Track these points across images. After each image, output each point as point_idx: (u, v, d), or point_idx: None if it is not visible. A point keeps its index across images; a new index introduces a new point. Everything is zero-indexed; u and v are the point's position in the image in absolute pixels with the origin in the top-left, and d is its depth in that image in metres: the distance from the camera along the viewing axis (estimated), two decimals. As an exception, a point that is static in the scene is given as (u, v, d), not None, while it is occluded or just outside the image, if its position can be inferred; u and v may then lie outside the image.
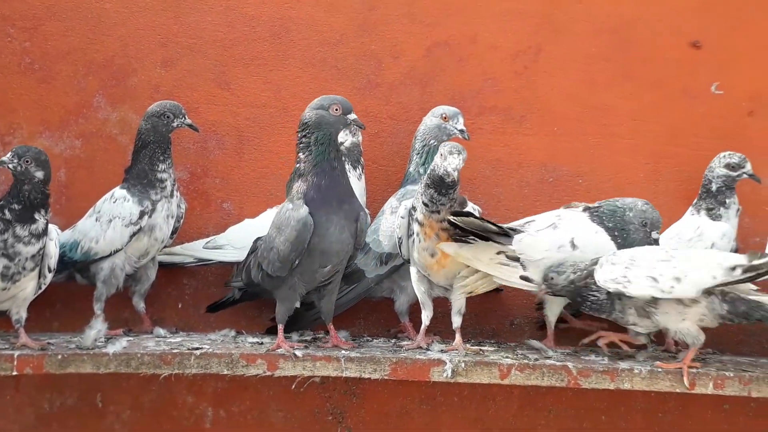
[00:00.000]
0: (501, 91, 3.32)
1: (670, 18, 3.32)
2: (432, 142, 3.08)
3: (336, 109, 2.74)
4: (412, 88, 3.33)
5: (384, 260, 3.03)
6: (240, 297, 3.14)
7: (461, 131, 3.08)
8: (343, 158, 3.08)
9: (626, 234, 2.81)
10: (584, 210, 2.89)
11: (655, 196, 3.25)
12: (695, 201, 3.15)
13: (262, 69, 3.34)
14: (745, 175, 3.10)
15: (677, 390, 2.69)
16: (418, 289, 2.91)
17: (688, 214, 3.15)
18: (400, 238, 2.89)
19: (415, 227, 2.81)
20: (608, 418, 3.27)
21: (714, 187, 3.10)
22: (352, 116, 2.77)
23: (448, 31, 3.34)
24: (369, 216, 2.86)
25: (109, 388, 3.27)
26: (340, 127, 2.78)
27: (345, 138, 3.13)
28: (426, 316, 2.91)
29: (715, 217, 3.09)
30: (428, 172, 2.79)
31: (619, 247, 2.80)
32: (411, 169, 3.12)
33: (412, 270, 2.91)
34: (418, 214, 2.80)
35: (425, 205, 2.77)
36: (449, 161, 2.69)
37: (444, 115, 3.09)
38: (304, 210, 2.70)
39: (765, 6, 3.29)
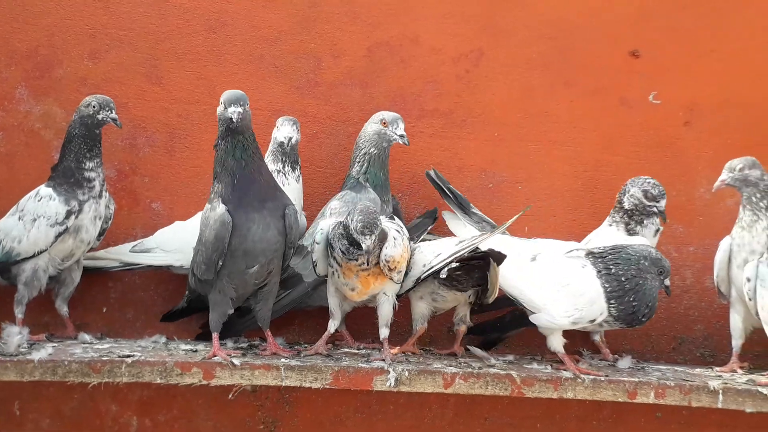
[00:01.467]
0: (442, 95, 3.29)
1: (609, 27, 3.34)
2: (372, 150, 3.01)
3: (222, 104, 2.65)
4: (352, 88, 3.27)
5: None
6: (188, 305, 3.01)
7: (401, 136, 3.01)
8: (283, 157, 3.00)
9: (641, 280, 2.69)
10: (587, 255, 2.77)
11: (592, 203, 3.30)
12: (612, 212, 3.10)
13: (195, 64, 3.24)
14: (655, 209, 3.03)
15: (619, 399, 2.71)
16: (332, 301, 2.83)
17: (606, 224, 3.12)
18: (314, 261, 2.76)
19: (334, 264, 2.72)
20: (543, 425, 3.26)
21: (626, 206, 3.05)
22: (231, 109, 2.62)
23: (390, 32, 3.29)
24: (300, 213, 2.77)
25: (28, 395, 3.13)
26: (230, 124, 2.64)
27: (291, 134, 3.02)
28: (333, 324, 2.85)
29: (632, 233, 3.05)
30: (344, 223, 2.66)
31: (613, 291, 2.69)
32: (353, 173, 3.03)
33: (329, 285, 2.81)
34: (337, 255, 2.69)
35: (343, 253, 2.67)
36: (362, 240, 2.59)
37: (383, 121, 3.02)
38: (221, 209, 2.63)
39: (702, 16, 3.33)
